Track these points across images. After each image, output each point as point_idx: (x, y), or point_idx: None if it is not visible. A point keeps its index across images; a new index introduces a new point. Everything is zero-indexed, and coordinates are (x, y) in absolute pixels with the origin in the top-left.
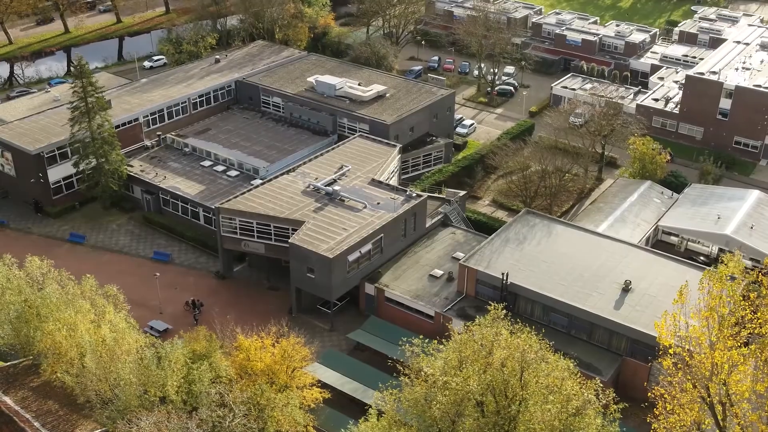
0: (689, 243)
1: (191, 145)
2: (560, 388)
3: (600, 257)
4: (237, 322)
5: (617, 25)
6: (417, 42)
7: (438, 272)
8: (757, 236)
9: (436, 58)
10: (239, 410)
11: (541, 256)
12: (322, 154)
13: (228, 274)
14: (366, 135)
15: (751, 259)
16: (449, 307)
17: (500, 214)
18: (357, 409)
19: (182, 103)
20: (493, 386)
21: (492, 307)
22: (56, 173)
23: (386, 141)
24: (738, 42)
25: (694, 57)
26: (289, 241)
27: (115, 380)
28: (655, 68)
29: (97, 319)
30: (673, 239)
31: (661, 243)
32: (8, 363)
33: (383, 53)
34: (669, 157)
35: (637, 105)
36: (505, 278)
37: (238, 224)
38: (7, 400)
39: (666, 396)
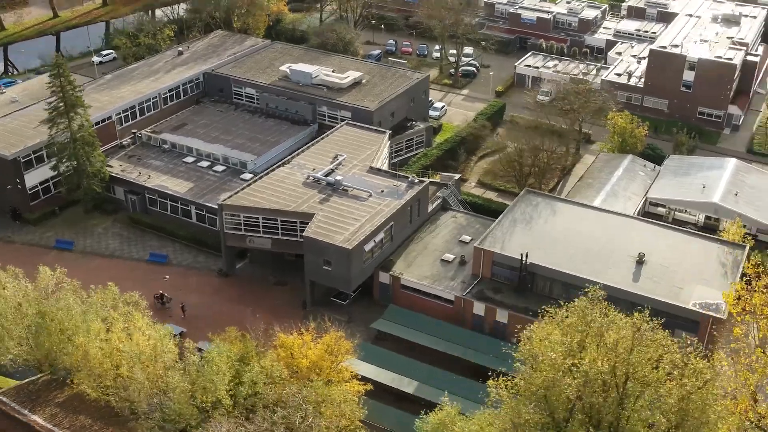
0: (676, 213)
1: (170, 142)
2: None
3: (608, 231)
4: (250, 319)
5: (568, 2)
6: (372, 26)
7: (449, 257)
8: (742, 203)
9: (392, 41)
10: (309, 410)
11: (552, 234)
12: (312, 144)
13: (231, 271)
14: (352, 123)
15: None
16: (468, 290)
17: (490, 195)
18: (391, 398)
19: (153, 99)
20: (615, 366)
21: (591, 290)
22: (33, 178)
23: (374, 128)
24: (690, 15)
25: (646, 31)
26: (304, 234)
27: (164, 388)
28: (610, 43)
29: (128, 327)
30: (660, 210)
31: (648, 215)
32: (25, 380)
33: (349, 38)
34: (647, 131)
35: (602, 80)
36: (524, 258)
37: (243, 220)
38: (37, 418)
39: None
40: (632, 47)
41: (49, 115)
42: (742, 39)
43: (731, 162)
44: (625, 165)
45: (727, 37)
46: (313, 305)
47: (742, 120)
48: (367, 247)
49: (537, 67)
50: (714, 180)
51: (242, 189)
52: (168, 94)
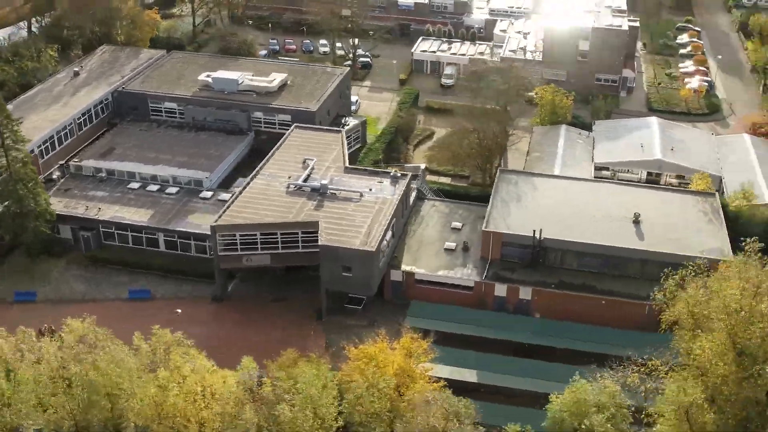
0: (618, 174)
1: (106, 169)
2: None
3: (596, 198)
4: (267, 340)
5: None
6: (250, 26)
7: (451, 245)
8: (679, 156)
9: (274, 40)
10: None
11: (547, 208)
12: (273, 153)
13: (225, 295)
14: (302, 126)
15: (678, 176)
16: (485, 274)
17: (445, 180)
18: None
19: (69, 125)
20: None
21: (747, 243)
22: None
23: (326, 128)
24: None
25: (519, 7)
26: (320, 243)
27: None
28: (489, 22)
29: (193, 373)
30: (605, 173)
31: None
32: None
33: (250, 40)
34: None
35: (501, 58)
36: (538, 234)
37: (239, 239)
38: None
39: None
40: (512, 24)
41: None
42: (619, 6)
43: (654, 120)
44: (563, 135)
45: (606, 6)
46: (327, 315)
47: (634, 82)
48: (383, 246)
49: (434, 52)
50: (647, 138)
51: (227, 208)
52: (82, 119)
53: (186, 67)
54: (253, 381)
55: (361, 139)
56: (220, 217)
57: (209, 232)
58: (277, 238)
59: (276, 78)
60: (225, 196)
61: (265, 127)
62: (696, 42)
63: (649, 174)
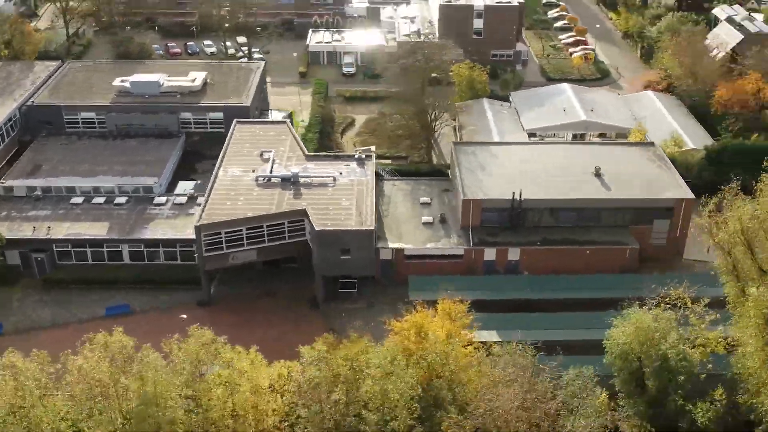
0: (546, 138)
1: (40, 187)
2: None
3: (553, 158)
4: (270, 336)
5: None
6: (132, 32)
7: (428, 219)
8: (600, 116)
9: (156, 46)
10: None
11: (513, 172)
12: (226, 151)
13: (210, 298)
14: (244, 121)
15: (600, 135)
16: (472, 241)
17: (386, 162)
18: None
19: None
20: None
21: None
22: None
23: (269, 120)
24: None
25: None
26: (317, 229)
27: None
28: (371, 11)
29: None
30: (533, 139)
31: None
32: None
33: (147, 43)
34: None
35: (398, 42)
36: (519, 196)
37: (224, 237)
38: None
39: None
40: (395, 10)
41: None
42: None
43: (566, 86)
44: (488, 108)
45: None
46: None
47: (528, 55)
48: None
49: (329, 42)
50: (567, 103)
51: (204, 207)
52: None
53: (91, 75)
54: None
55: None
56: (200, 217)
57: (179, 237)
58: (263, 231)
59: (197, 77)
60: (181, 199)
61: (195, 127)
62: (572, 15)
63: (574, 136)
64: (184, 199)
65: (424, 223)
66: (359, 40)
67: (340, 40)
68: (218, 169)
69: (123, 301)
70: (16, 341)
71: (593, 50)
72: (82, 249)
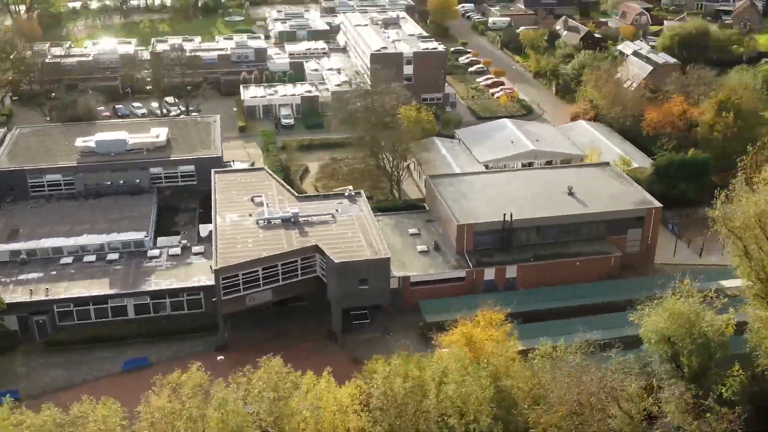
0: (498, 167)
1: (25, 251)
2: None
3: (524, 183)
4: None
5: (227, 39)
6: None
7: (423, 247)
8: (545, 145)
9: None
10: None
11: (495, 197)
12: (215, 199)
13: (228, 343)
14: (222, 170)
15: (547, 162)
16: (471, 264)
17: None
18: None
19: None
20: None
21: None
22: None
23: (247, 167)
24: (358, 24)
25: (317, 48)
26: (337, 261)
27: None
28: (293, 65)
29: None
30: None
31: None
32: None
33: (93, 105)
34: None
35: (332, 92)
36: (509, 218)
37: (242, 279)
38: None
39: None
40: (318, 63)
41: None
42: (421, 33)
43: (506, 121)
44: (441, 145)
45: (409, 35)
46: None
47: (455, 97)
48: None
49: (263, 96)
50: (512, 136)
51: (216, 252)
52: None
53: (44, 139)
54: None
55: None
56: (216, 261)
57: (187, 286)
58: (277, 270)
59: (160, 132)
60: (175, 251)
61: (166, 182)
62: (485, 59)
63: (523, 164)
64: (178, 250)
65: (420, 252)
66: (293, 92)
67: (273, 94)
68: (215, 216)
69: (134, 355)
70: (36, 406)
71: (512, 89)
72: (84, 307)
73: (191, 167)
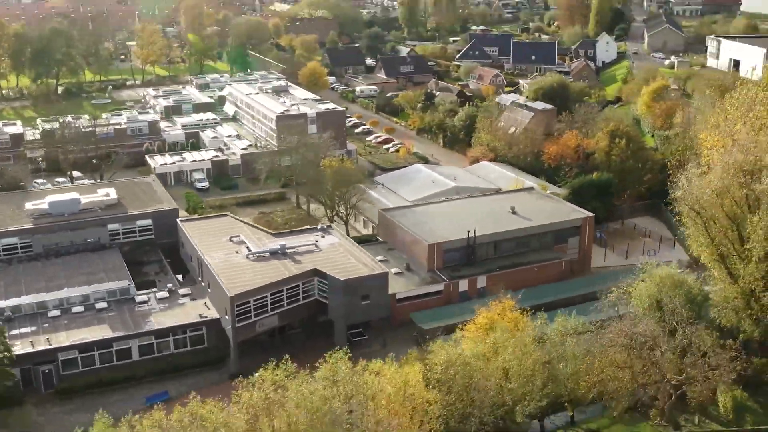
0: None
1: (8, 307)
2: None
3: (471, 207)
4: None
5: (120, 114)
6: None
7: (397, 269)
8: (463, 182)
9: None
10: None
11: (450, 220)
12: (196, 246)
13: (241, 371)
14: (186, 219)
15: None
16: (446, 278)
17: None
18: None
19: None
20: None
21: None
22: None
23: (213, 215)
24: (249, 93)
25: (207, 120)
26: (342, 279)
27: None
28: (188, 135)
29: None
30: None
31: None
32: None
33: (22, 176)
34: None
35: (242, 154)
36: (473, 235)
37: (252, 305)
38: None
39: None
40: (214, 131)
41: None
42: (315, 97)
43: (420, 166)
44: (367, 189)
45: (303, 99)
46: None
47: (355, 152)
48: None
49: (174, 162)
50: (433, 177)
51: (221, 282)
52: None
53: None
54: None
55: None
56: (229, 288)
57: (191, 322)
58: (282, 295)
59: (108, 192)
60: (163, 294)
61: (124, 237)
62: (372, 120)
63: (447, 198)
64: (165, 294)
65: (395, 273)
66: (202, 157)
67: (183, 160)
68: (202, 256)
69: (148, 393)
70: None
71: (403, 144)
72: (89, 353)
73: (149, 221)
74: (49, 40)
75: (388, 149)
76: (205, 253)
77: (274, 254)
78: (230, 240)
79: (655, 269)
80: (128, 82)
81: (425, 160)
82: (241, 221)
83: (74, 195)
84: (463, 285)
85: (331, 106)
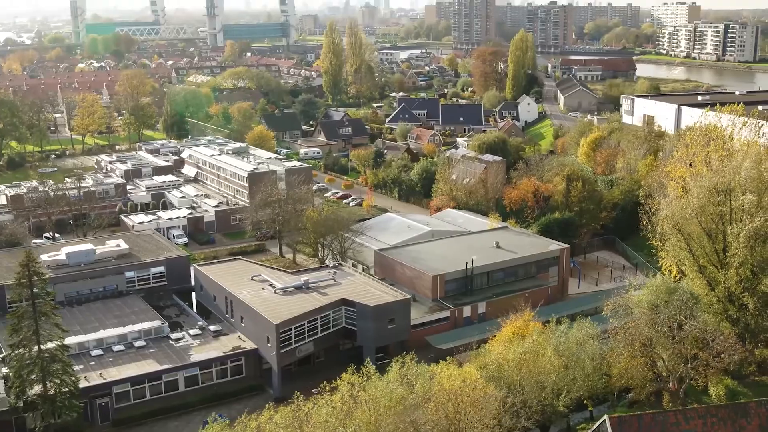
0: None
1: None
2: None
3: (458, 245)
4: None
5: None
6: None
7: None
8: (436, 226)
9: None
10: None
11: (443, 255)
12: (220, 283)
13: (283, 396)
14: (203, 263)
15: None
16: (451, 305)
17: None
18: None
19: None
20: None
21: None
22: None
23: (227, 259)
24: (213, 155)
25: (171, 181)
26: (372, 305)
27: None
28: (153, 195)
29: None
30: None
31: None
32: None
33: (20, 232)
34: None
35: (216, 211)
36: (471, 266)
37: (293, 332)
38: None
39: None
40: (180, 191)
41: (14, 329)
42: (278, 156)
43: (392, 214)
44: (350, 236)
45: (267, 158)
46: None
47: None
48: None
49: (151, 221)
50: (405, 223)
51: (261, 314)
52: None
53: None
54: None
55: None
56: (275, 317)
57: (234, 353)
58: (316, 323)
59: (118, 242)
60: (196, 331)
61: (139, 284)
62: (330, 176)
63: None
64: (198, 330)
65: None
66: (177, 215)
67: (159, 218)
68: (233, 293)
69: (202, 419)
70: None
71: (362, 198)
72: (140, 386)
73: (162, 268)
74: None
75: (348, 203)
76: (235, 291)
77: (300, 288)
78: (252, 279)
79: (650, 280)
80: (68, 152)
81: (385, 211)
82: (255, 263)
83: (89, 246)
84: (467, 311)
85: (297, 163)
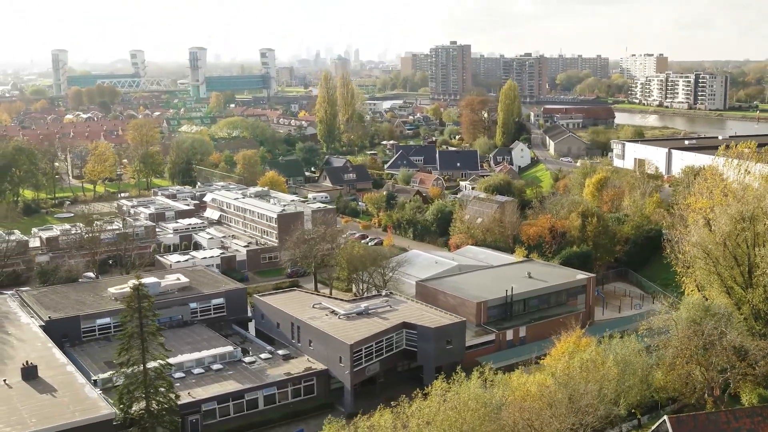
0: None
1: None
2: None
3: (492, 276)
4: None
5: (111, 223)
6: None
7: None
8: (462, 261)
9: None
10: None
11: (480, 284)
12: (287, 310)
13: (355, 412)
14: (262, 294)
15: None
16: (495, 329)
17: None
18: None
19: None
20: None
21: None
22: None
23: (283, 290)
24: (237, 198)
25: (197, 224)
26: (434, 327)
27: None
28: (181, 237)
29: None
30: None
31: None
32: None
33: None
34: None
35: (247, 251)
36: (511, 293)
37: (364, 352)
38: None
39: None
40: (207, 232)
41: (123, 347)
42: (300, 199)
43: (415, 251)
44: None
45: (291, 200)
46: None
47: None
48: None
49: (186, 260)
50: (432, 259)
51: (334, 336)
52: None
53: (66, 295)
54: None
55: None
56: (346, 338)
57: (307, 373)
58: (382, 345)
59: (179, 276)
60: (266, 355)
61: (201, 315)
62: (345, 219)
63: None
64: (268, 355)
65: None
66: (211, 254)
67: (193, 258)
68: (301, 320)
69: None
70: None
71: (381, 239)
72: (225, 404)
73: (221, 300)
74: (13, 157)
75: (367, 242)
76: (301, 317)
77: (361, 314)
78: (314, 306)
79: (686, 299)
80: (78, 199)
81: (404, 251)
82: (312, 293)
83: (154, 279)
84: (509, 334)
85: (321, 205)
